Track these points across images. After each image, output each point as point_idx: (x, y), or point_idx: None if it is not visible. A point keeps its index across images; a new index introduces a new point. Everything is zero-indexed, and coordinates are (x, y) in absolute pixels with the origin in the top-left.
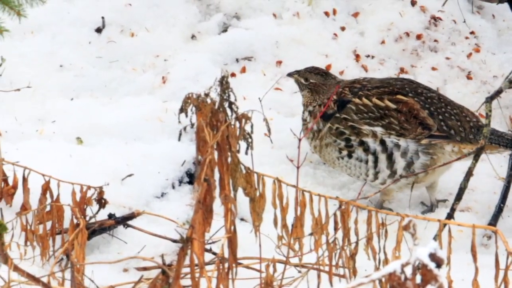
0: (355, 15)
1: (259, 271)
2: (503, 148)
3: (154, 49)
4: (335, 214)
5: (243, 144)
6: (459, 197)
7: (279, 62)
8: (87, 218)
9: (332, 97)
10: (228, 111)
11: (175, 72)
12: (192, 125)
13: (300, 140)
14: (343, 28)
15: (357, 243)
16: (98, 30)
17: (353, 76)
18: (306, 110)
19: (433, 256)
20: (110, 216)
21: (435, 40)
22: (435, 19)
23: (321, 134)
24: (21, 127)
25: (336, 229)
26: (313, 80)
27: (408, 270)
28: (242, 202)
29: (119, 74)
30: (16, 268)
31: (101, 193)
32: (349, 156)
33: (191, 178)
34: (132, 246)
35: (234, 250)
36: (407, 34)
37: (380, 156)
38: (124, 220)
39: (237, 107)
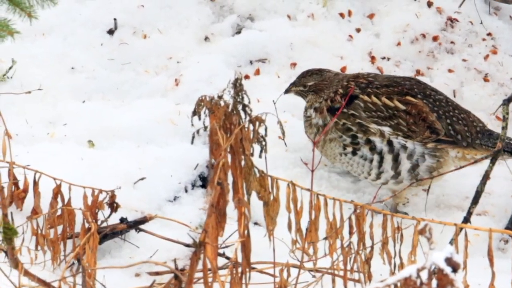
0: (371, 16)
1: (273, 275)
2: (507, 155)
3: (167, 51)
4: (350, 218)
5: (257, 147)
6: (475, 200)
7: (294, 64)
8: (99, 222)
9: (339, 91)
10: (242, 113)
11: (188, 74)
12: (205, 128)
13: (314, 143)
14: (358, 30)
15: (372, 247)
16: (110, 32)
17: None
18: (310, 107)
19: (449, 261)
20: (122, 220)
21: (452, 42)
22: (451, 21)
23: (326, 129)
24: (32, 130)
25: (351, 233)
26: (311, 82)
27: (424, 275)
28: (256, 206)
29: (131, 76)
30: (27, 273)
31: (113, 196)
32: (354, 153)
33: (204, 181)
34: (144, 251)
35: (248, 255)
36: (423, 35)
37: (386, 157)
38: (136, 224)
39: (251, 110)
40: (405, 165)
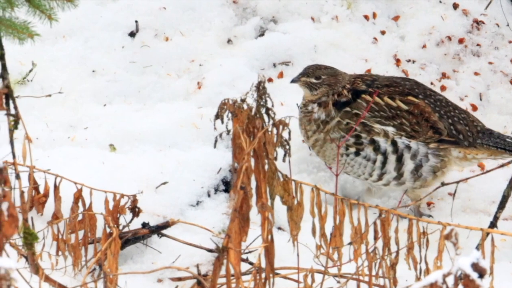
0: (396, 18)
1: (297, 281)
2: (508, 154)
3: (189, 53)
4: (375, 223)
5: (280, 151)
6: (502, 205)
7: None
8: (121, 227)
9: (347, 86)
10: (265, 117)
11: (211, 77)
12: (228, 131)
13: (339, 147)
14: (383, 32)
15: (397, 252)
16: (132, 34)
17: None
18: (313, 102)
19: (475, 266)
20: (144, 225)
21: (478, 44)
22: (477, 23)
23: (328, 127)
24: (53, 134)
25: (376, 238)
26: (325, 75)
27: (450, 281)
28: (280, 210)
29: (153, 80)
30: (48, 279)
31: (134, 201)
32: (356, 153)
33: (227, 186)
34: (167, 256)
35: (271, 260)
36: (449, 38)
37: (390, 157)
38: (159, 229)
39: (274, 113)
40: (408, 165)
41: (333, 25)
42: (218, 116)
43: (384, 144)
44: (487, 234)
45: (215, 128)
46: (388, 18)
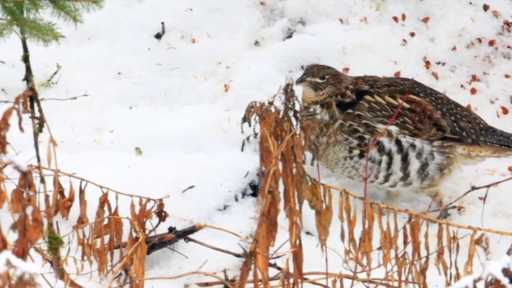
0: (425, 20)
1: (326, 286)
2: (511, 151)
3: (216, 55)
4: (404, 228)
5: (308, 155)
6: None
7: (346, 69)
8: (147, 232)
9: (350, 86)
10: (293, 120)
11: (238, 79)
12: (256, 134)
13: (367, 150)
14: (412, 34)
15: (427, 257)
16: (158, 36)
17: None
18: (316, 103)
19: (506, 271)
20: (171, 229)
21: (509, 47)
22: (508, 25)
23: (330, 131)
24: (78, 137)
25: (405, 243)
26: (329, 75)
27: (481, 286)
28: (308, 215)
29: (179, 82)
30: (73, 284)
31: (161, 205)
32: (361, 156)
33: (254, 190)
34: (194, 261)
35: (300, 265)
36: (479, 40)
37: (395, 157)
38: (185, 234)
39: (302, 116)
40: (414, 164)
41: (362, 27)
42: (246, 119)
43: (388, 144)
44: None
45: (242, 131)
46: (417, 19)
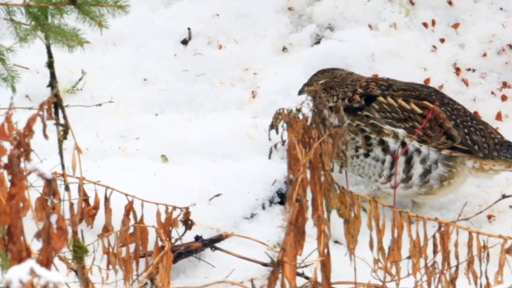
0: (455, 26)
1: None
2: None
3: (243, 61)
4: (434, 236)
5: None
6: None
7: (375, 75)
8: (173, 240)
9: (358, 90)
10: (321, 127)
11: (265, 86)
12: (283, 142)
13: (396, 158)
14: (442, 40)
15: (457, 267)
16: (184, 42)
17: (453, 91)
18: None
19: None
20: (197, 238)
21: None
22: None
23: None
24: (103, 144)
25: (435, 252)
26: (323, 80)
27: None
28: (336, 223)
29: (206, 88)
30: None
31: (187, 213)
32: (366, 155)
33: (282, 198)
34: (220, 270)
35: (328, 274)
36: (510, 46)
37: (399, 158)
38: (212, 243)
39: (330, 123)
40: (418, 169)
41: (391, 33)
42: (273, 126)
43: (393, 144)
44: None
45: (269, 139)
46: (447, 25)
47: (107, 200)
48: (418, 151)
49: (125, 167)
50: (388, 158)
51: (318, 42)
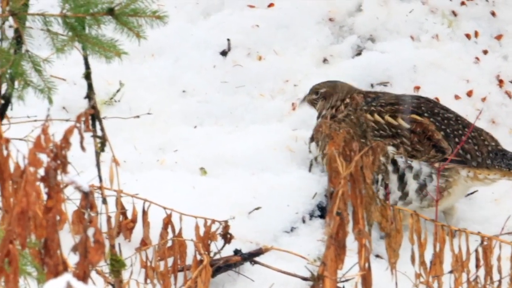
0: (498, 37)
1: None
2: None
3: (283, 73)
4: (476, 251)
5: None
6: None
7: (417, 88)
8: (211, 254)
9: (346, 100)
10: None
11: None
12: (324, 155)
13: (439, 171)
14: (485, 52)
15: (500, 281)
16: (223, 53)
17: (496, 103)
18: (319, 117)
19: None
20: (236, 252)
21: None
22: None
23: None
24: (141, 157)
25: (477, 266)
26: (323, 90)
27: None
28: (377, 237)
29: (245, 100)
30: None
31: (226, 227)
32: None
33: (322, 211)
34: (260, 284)
35: None
36: None
37: (391, 177)
38: (251, 256)
39: (371, 136)
40: (412, 185)
41: (433, 44)
42: (313, 138)
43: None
44: None
45: (310, 151)
46: (490, 36)
47: (145, 213)
48: (410, 167)
49: (163, 180)
50: (381, 177)
51: (359, 54)
